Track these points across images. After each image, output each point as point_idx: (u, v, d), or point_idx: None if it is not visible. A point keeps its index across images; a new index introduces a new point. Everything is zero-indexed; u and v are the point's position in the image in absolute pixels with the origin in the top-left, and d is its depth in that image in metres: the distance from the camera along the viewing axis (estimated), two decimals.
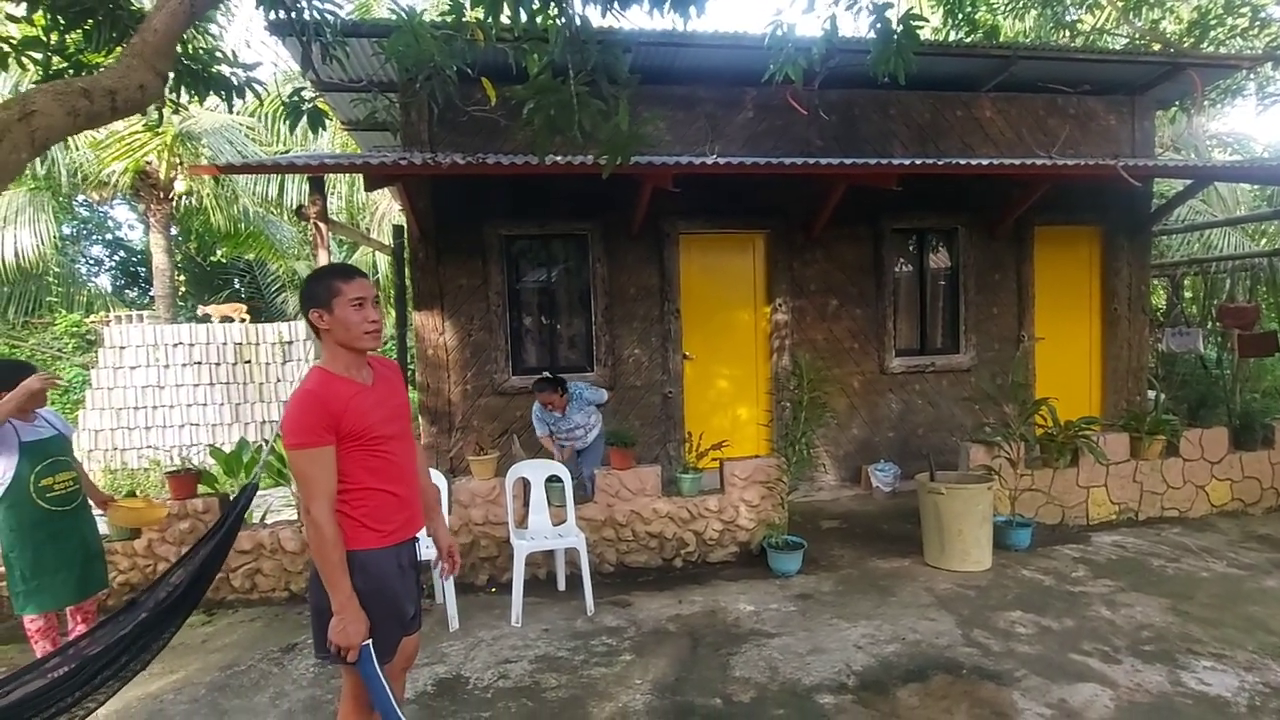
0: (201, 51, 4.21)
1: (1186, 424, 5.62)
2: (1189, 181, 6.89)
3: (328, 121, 8.31)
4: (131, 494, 4.31)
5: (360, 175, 4.70)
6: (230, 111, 5.05)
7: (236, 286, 17.19)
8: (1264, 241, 10.55)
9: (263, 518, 4.58)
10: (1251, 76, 7.84)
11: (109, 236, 18.73)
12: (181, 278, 15.90)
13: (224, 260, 16.05)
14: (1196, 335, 7.62)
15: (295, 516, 4.36)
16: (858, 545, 4.86)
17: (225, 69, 4.04)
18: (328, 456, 1.86)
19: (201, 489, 4.46)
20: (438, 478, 4.03)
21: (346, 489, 1.92)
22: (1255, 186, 11.05)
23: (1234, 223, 9.66)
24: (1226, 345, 8.48)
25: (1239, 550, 4.59)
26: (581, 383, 5.09)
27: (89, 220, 17.59)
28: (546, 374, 5.04)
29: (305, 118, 3.97)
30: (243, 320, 9.12)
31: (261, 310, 15.52)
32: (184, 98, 4.06)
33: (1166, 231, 9.35)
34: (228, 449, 4.93)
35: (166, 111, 4.39)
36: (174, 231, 15.38)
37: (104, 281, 18.03)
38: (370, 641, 1.89)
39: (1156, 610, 3.69)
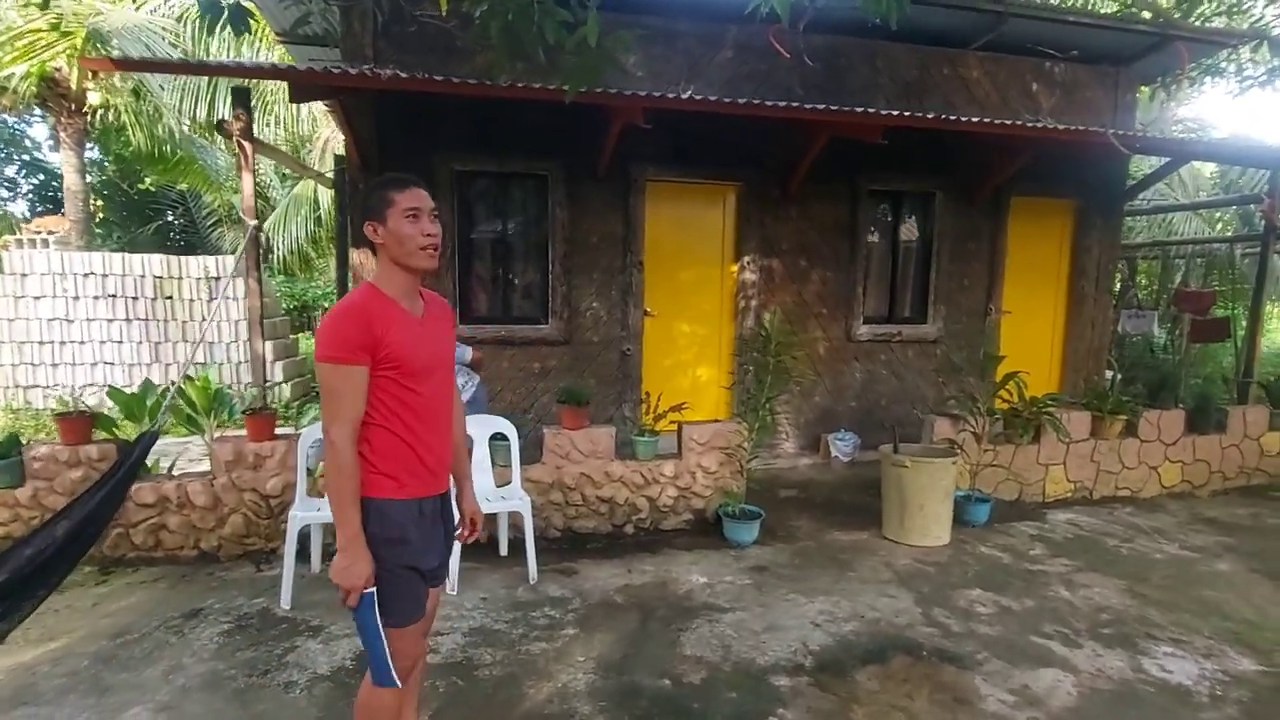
0: None
1: (1145, 405, 5.61)
2: (1160, 161, 6.79)
3: (260, 30, 7.54)
4: None
5: (299, 93, 4.09)
6: (135, 6, 4.31)
7: (169, 218, 15.94)
8: (1219, 228, 10.72)
9: (170, 468, 4.12)
10: (1232, 58, 7.74)
11: (25, 158, 17.00)
12: (99, 203, 14.60)
13: (153, 189, 14.79)
14: (1151, 318, 7.67)
15: (207, 469, 3.92)
16: (816, 516, 4.70)
17: None
18: (359, 377, 1.68)
19: (101, 435, 3.98)
20: None
21: (371, 425, 1.73)
22: (1215, 172, 11.19)
23: (1199, 207, 9.73)
24: (1177, 329, 8.62)
25: (1188, 532, 4.61)
26: None
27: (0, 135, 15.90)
28: None
29: (226, 18, 3.40)
30: (47, 237, 8.23)
31: (196, 246, 14.45)
32: None
33: (1133, 213, 9.36)
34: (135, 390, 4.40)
35: None
36: (94, 152, 14.06)
37: (21, 206, 16.45)
38: (374, 590, 1.72)
39: (1114, 592, 3.63)
